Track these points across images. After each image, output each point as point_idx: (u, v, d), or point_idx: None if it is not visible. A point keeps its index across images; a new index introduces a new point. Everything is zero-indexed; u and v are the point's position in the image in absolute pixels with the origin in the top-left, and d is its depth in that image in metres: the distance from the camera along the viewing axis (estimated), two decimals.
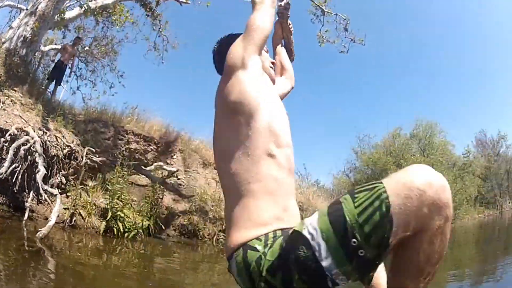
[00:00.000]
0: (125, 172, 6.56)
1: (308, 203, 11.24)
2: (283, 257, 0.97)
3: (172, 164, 8.71)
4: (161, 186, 7.47)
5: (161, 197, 7.33)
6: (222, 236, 7.06)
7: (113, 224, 5.60)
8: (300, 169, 13.97)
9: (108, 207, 5.74)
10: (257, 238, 1.06)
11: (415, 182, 0.88)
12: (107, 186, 6.16)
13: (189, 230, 7.17)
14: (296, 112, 43.81)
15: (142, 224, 6.14)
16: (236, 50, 1.32)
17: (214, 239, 7.18)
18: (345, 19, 9.05)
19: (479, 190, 22.91)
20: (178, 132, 9.80)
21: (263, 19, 1.36)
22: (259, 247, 1.03)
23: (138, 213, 6.32)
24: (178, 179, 8.55)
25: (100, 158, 6.91)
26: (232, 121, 1.23)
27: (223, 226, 7.54)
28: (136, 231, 5.90)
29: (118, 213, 5.74)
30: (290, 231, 1.02)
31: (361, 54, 47.49)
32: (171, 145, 9.31)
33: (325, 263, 0.91)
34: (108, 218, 5.60)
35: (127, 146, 8.35)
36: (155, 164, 8.16)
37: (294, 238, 0.98)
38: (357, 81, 49.72)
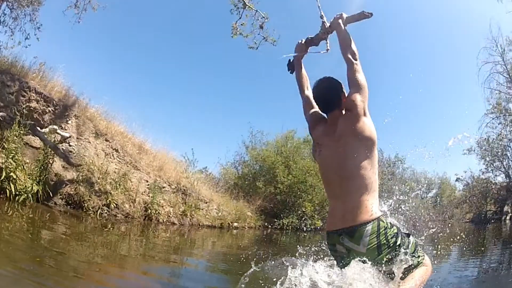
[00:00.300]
0: (22, 131, 6.62)
1: (192, 189, 12.01)
2: (396, 236, 2.08)
3: (66, 130, 8.82)
4: (52, 151, 7.54)
5: (51, 162, 7.43)
6: (106, 210, 7.54)
7: (6, 185, 5.69)
8: (188, 154, 14.35)
9: (3, 166, 5.80)
10: (382, 219, 2.11)
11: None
12: (4, 144, 6.18)
13: (75, 200, 7.47)
14: (196, 92, 44.12)
15: (32, 188, 6.30)
16: (359, 102, 2.19)
17: (98, 212, 7.62)
18: (263, 17, 9.10)
19: None
20: (77, 97, 9.89)
21: (365, 79, 2.28)
22: (385, 223, 2.09)
23: (28, 177, 6.46)
24: (70, 145, 8.71)
25: (1, 113, 6.86)
26: (364, 144, 2.15)
27: (108, 201, 8.05)
28: (26, 195, 6.04)
29: (11, 174, 5.85)
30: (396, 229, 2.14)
31: (276, 54, 48.87)
32: (68, 110, 9.31)
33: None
34: (2, 178, 5.68)
35: (27, 104, 8.27)
36: (50, 127, 8.22)
37: (398, 234, 2.11)
38: (266, 79, 50.74)
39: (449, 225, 23.23)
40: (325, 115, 2.48)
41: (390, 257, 2.04)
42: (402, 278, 2.05)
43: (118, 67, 38.97)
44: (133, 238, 6.78)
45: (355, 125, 2.16)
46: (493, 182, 19.82)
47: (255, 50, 9.28)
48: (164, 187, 10.83)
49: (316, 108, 2.56)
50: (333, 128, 2.29)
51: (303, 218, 15.55)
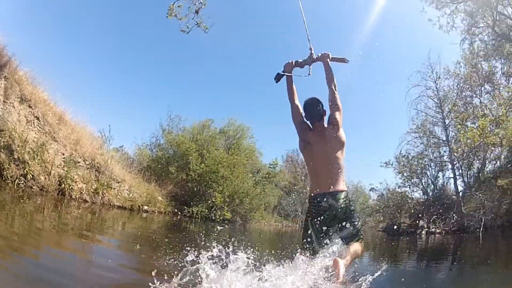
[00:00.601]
0: None
1: (105, 166, 11.66)
2: (353, 204, 3.31)
3: None
4: None
5: None
6: (23, 181, 7.10)
7: None
8: (106, 130, 13.50)
9: None
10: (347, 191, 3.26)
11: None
12: None
13: None
14: (124, 66, 41.80)
15: None
16: (339, 119, 3.32)
17: (16, 183, 7.16)
18: (201, 2, 9.12)
19: (279, 201, 24.71)
20: (10, 57, 9.03)
21: (341, 104, 3.40)
22: (349, 195, 3.24)
23: None
24: None
25: None
26: (341, 146, 3.29)
27: (25, 171, 7.57)
28: None
29: None
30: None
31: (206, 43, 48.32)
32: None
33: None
34: None
35: None
36: None
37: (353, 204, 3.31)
38: (196, 66, 49.50)
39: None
40: (309, 122, 3.48)
41: (350, 214, 3.18)
42: (346, 243, 3.13)
43: (54, 31, 34.69)
44: (47, 213, 6.60)
45: (337, 134, 3.31)
46: (410, 196, 20.43)
47: (186, 34, 9.35)
48: (78, 162, 10.39)
49: (301, 116, 3.50)
50: (322, 134, 3.36)
51: (213, 208, 15.87)
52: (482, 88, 19.82)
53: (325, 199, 3.13)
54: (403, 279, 4.40)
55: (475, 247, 10.60)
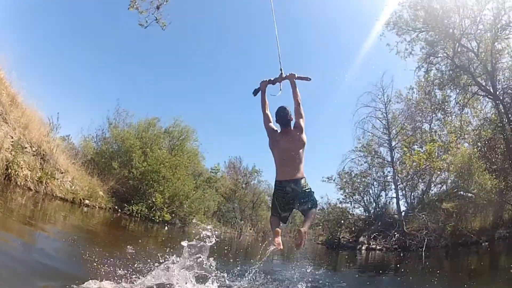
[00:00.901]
0: None
1: (51, 155, 11.29)
2: (310, 187, 4.17)
3: None
4: None
5: None
6: None
7: None
8: (54, 117, 12.79)
9: None
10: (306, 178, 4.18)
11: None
12: None
13: None
14: (81, 55, 39.39)
15: None
16: (303, 124, 4.28)
17: None
18: None
19: (219, 207, 24.44)
20: None
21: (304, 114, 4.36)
22: (306, 180, 4.15)
23: None
24: None
25: None
26: (303, 145, 4.21)
27: None
28: None
29: None
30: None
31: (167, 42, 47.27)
32: None
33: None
34: None
35: None
36: None
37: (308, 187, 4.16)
38: (150, 62, 48.00)
39: None
40: (279, 125, 4.37)
41: (308, 194, 4.09)
42: (305, 214, 4.13)
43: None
44: None
45: (300, 136, 4.23)
46: (351, 213, 20.54)
47: (143, 28, 9.20)
48: (25, 148, 9.98)
49: (271, 122, 4.43)
50: (288, 135, 4.27)
51: (153, 209, 15.75)
52: (433, 115, 20.43)
53: (289, 185, 4.06)
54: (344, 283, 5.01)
55: (417, 265, 11.20)
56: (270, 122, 4.45)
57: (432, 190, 20.17)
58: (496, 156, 15.70)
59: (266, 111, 4.52)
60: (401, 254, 14.50)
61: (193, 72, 52.30)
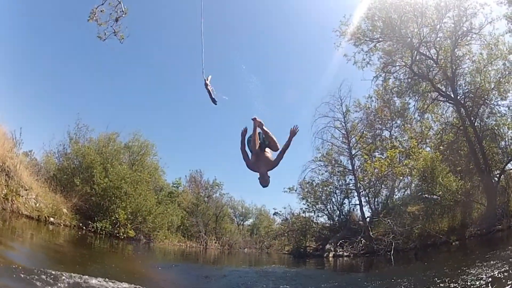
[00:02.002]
0: None
1: (14, 171, 11.07)
2: None
3: None
4: None
5: None
6: None
7: None
8: (16, 132, 12.54)
9: None
10: None
11: None
12: None
13: None
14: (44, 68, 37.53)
15: None
16: (272, 149, 5.89)
17: None
18: (122, 11, 9.06)
19: (183, 222, 24.10)
20: None
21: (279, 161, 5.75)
22: None
23: None
24: None
25: None
26: (271, 161, 5.74)
27: None
28: None
29: None
30: None
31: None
32: None
33: None
34: None
35: None
36: None
37: None
38: (110, 74, 46.48)
39: (267, 253, 24.46)
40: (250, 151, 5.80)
41: None
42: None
43: None
44: None
45: (267, 156, 5.76)
46: (315, 221, 20.56)
47: (102, 41, 9.21)
48: None
49: (248, 156, 5.75)
50: (261, 158, 5.70)
51: (117, 225, 15.55)
52: (393, 122, 21.00)
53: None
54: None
55: (386, 267, 11.77)
56: (248, 156, 5.77)
57: (396, 195, 20.46)
58: (460, 158, 16.35)
59: (245, 150, 5.80)
60: (370, 259, 14.83)
61: (151, 83, 51.58)
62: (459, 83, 16.18)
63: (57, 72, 40.30)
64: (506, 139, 15.35)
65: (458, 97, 15.72)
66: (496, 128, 15.36)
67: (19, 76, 32.97)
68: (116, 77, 46.55)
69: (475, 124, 15.20)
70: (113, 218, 15.70)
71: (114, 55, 48.27)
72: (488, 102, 15.62)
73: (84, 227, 14.08)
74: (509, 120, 15.05)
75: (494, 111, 15.74)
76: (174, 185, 28.70)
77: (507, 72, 14.91)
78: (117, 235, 15.25)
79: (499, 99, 15.52)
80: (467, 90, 16.08)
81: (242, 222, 35.33)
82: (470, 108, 15.56)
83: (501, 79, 15.03)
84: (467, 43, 15.79)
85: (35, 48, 36.65)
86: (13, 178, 10.81)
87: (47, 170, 15.86)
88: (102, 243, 12.99)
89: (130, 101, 48.20)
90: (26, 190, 11.40)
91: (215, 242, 25.25)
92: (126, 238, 15.55)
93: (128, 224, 16.27)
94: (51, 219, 12.00)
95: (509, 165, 14.80)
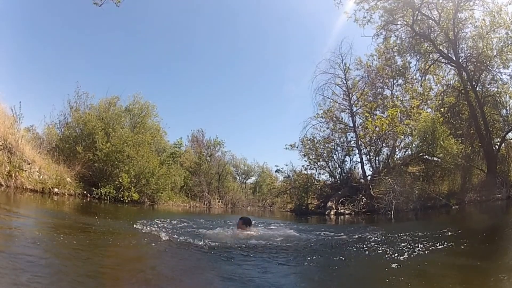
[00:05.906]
0: None
1: (17, 147, 11.54)
2: None
3: None
4: None
5: None
6: None
7: None
8: (16, 108, 12.60)
9: None
10: None
11: None
12: None
13: None
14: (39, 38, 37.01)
15: None
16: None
17: None
18: None
19: (186, 182, 24.43)
20: None
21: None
22: None
23: None
24: None
25: None
26: None
27: None
28: None
29: None
30: None
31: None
32: None
33: None
34: None
35: None
36: None
37: None
38: (108, 38, 45.62)
39: (270, 211, 24.76)
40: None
41: None
42: None
43: None
44: None
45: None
46: (317, 179, 20.77)
47: (98, 7, 9.90)
48: None
49: None
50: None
51: (120, 189, 16.23)
52: (394, 81, 20.77)
53: None
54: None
55: (387, 224, 12.08)
56: None
57: (397, 155, 20.48)
58: (461, 122, 16.53)
59: None
60: (371, 217, 15.13)
61: (150, 42, 50.85)
62: (461, 46, 16.00)
63: (56, 40, 40.01)
64: (508, 108, 15.40)
65: (460, 60, 15.59)
66: (497, 95, 15.40)
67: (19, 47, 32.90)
68: (113, 39, 46.02)
69: (477, 89, 15.23)
70: (116, 182, 16.34)
71: (111, 17, 47.31)
72: (490, 68, 15.46)
73: (88, 194, 14.80)
74: (511, 89, 15.05)
75: (496, 78, 15.70)
76: (176, 146, 29.06)
77: (510, 42, 14.57)
78: (122, 199, 15.96)
79: (501, 67, 15.36)
80: (469, 54, 15.89)
81: (244, 180, 36.02)
82: (472, 72, 15.45)
83: (503, 48, 14.75)
84: (469, 8, 15.38)
85: (32, 15, 36.16)
86: (15, 153, 11.29)
87: (49, 142, 16.31)
88: (108, 208, 13.45)
89: (129, 63, 47.98)
90: (29, 164, 11.95)
91: (218, 201, 25.69)
92: (130, 202, 16.25)
93: (132, 188, 16.91)
94: (55, 189, 12.63)
95: (510, 134, 15.04)
